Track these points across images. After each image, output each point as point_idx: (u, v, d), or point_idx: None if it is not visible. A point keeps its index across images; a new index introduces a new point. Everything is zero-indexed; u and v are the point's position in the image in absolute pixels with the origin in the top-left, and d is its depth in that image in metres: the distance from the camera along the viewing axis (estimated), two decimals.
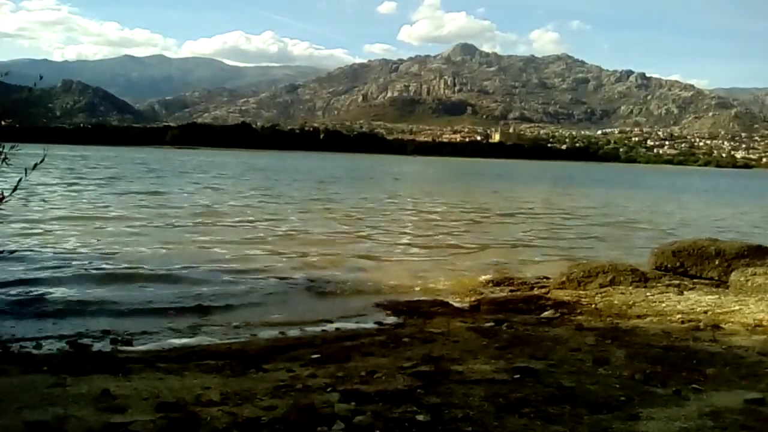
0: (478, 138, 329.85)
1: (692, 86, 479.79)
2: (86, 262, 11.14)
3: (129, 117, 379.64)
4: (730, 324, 6.80)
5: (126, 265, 11.08)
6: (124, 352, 6.21)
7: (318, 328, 7.45)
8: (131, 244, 13.70)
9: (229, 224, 17.97)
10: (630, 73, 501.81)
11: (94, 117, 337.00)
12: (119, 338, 6.85)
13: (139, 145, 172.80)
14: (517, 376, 4.75)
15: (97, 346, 6.50)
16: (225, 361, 5.49)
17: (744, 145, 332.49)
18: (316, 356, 5.58)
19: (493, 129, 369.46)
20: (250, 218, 19.75)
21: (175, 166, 64.52)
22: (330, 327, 7.52)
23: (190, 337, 7.03)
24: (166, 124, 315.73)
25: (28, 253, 11.70)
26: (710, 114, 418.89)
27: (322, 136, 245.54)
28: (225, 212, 21.34)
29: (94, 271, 10.46)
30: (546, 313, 7.70)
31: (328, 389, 4.43)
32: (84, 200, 23.54)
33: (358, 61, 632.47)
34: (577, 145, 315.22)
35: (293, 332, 7.21)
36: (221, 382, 4.68)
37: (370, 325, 7.54)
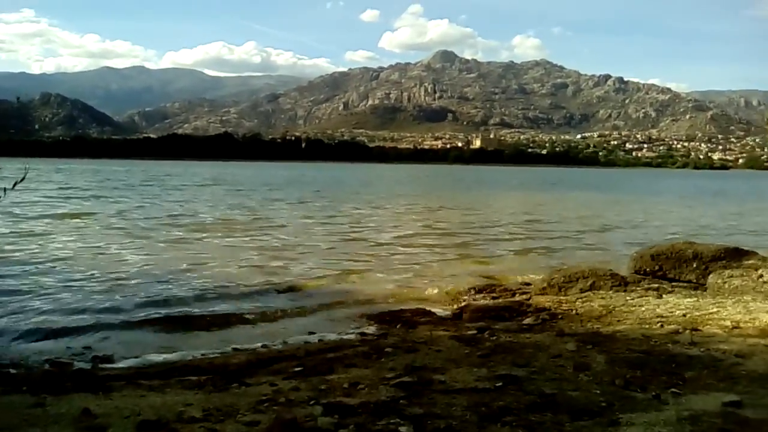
0: (459, 144, 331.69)
1: (669, 89, 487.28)
2: (67, 276, 11.05)
3: (108, 129, 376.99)
4: (708, 326, 6.87)
5: (107, 279, 10.97)
6: (104, 370, 6.15)
7: (301, 340, 7.43)
8: (114, 256, 13.61)
9: (210, 236, 17.86)
10: (608, 77, 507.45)
11: (73, 130, 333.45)
12: (100, 355, 6.78)
13: (119, 157, 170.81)
14: (500, 384, 4.77)
15: (77, 363, 6.41)
16: (207, 377, 5.45)
17: (720, 147, 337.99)
18: (298, 369, 5.56)
19: (474, 135, 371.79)
20: (235, 230, 19.66)
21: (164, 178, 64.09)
22: (313, 338, 7.49)
23: (172, 353, 6.95)
24: (147, 135, 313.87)
25: (6, 266, 11.56)
26: (687, 117, 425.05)
27: (303, 145, 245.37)
28: (208, 224, 21.24)
29: (74, 286, 10.34)
30: (528, 320, 7.73)
31: (311, 402, 4.42)
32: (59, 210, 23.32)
33: (340, 69, 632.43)
34: (557, 149, 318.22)
35: (276, 345, 7.17)
36: (203, 398, 4.65)
37: (353, 336, 7.52)
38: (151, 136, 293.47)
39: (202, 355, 6.79)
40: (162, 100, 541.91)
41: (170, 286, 10.62)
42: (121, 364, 6.45)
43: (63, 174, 69.09)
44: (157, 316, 8.66)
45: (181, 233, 18.32)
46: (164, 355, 6.84)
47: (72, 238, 16.58)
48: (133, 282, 10.85)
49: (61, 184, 46.50)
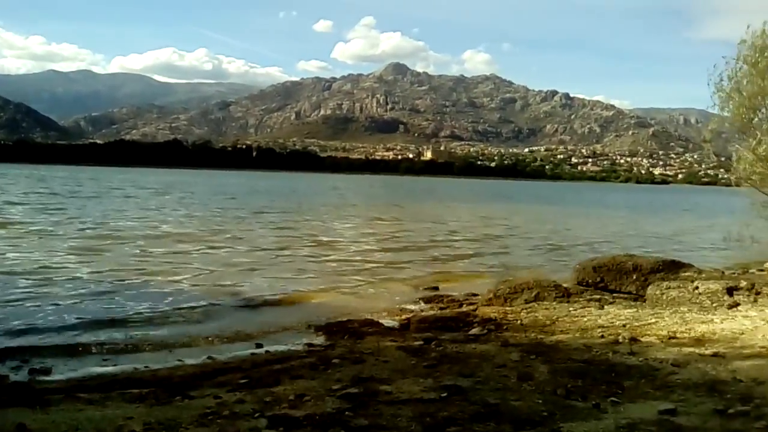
0: (410, 155, 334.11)
1: (613, 106, 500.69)
2: (4, 289, 10.67)
3: (53, 134, 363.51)
4: (646, 336, 7.08)
5: (47, 291, 10.63)
6: (42, 383, 5.97)
7: (247, 352, 7.35)
8: (56, 268, 13.16)
9: (160, 247, 17.47)
10: (555, 93, 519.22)
11: (16, 134, 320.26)
12: (38, 368, 6.57)
13: (64, 163, 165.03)
14: (445, 394, 4.82)
15: (13, 377, 6.21)
16: (150, 389, 5.34)
17: (661, 162, 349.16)
18: (244, 381, 5.50)
19: (425, 147, 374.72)
20: (185, 241, 19.26)
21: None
22: (260, 350, 7.43)
23: (114, 365, 6.81)
24: (93, 140, 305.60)
25: None
26: (630, 133, 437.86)
27: (254, 153, 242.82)
28: (158, 235, 20.79)
29: (12, 298, 9.99)
30: (474, 330, 7.84)
31: (256, 415, 4.38)
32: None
33: (292, 79, 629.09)
34: (506, 162, 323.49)
35: (222, 356, 7.08)
36: (145, 411, 4.55)
37: (300, 347, 7.49)
38: (98, 141, 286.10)
39: (146, 367, 6.65)
40: (109, 105, 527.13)
41: (115, 298, 10.38)
42: (59, 377, 6.28)
43: (5, 179, 66.51)
44: (100, 328, 8.46)
45: (128, 244, 17.84)
46: (105, 368, 6.69)
47: (11, 248, 15.98)
48: (75, 294, 10.56)
49: (1, 190, 44.80)
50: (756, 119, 7.71)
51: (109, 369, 6.61)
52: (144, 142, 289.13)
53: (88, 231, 20.59)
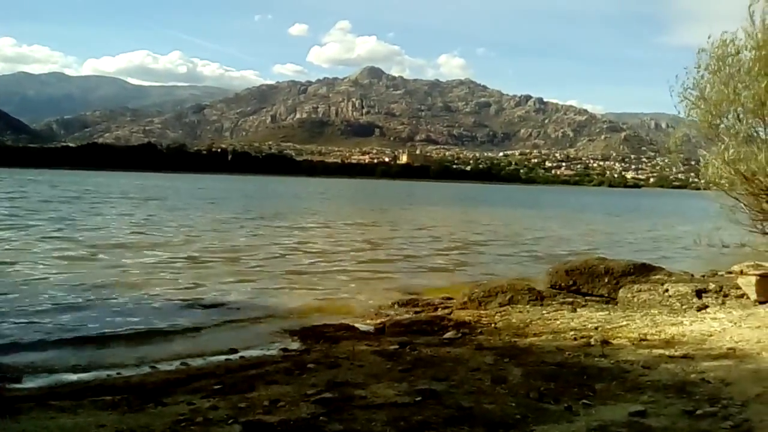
0: (386, 159, 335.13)
1: (586, 111, 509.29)
2: None
3: (25, 137, 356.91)
4: (618, 339, 7.19)
5: (16, 297, 10.43)
6: (12, 391, 5.86)
7: (222, 357, 7.29)
8: (26, 274, 12.92)
9: (133, 255, 17.25)
10: (528, 97, 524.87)
11: None
12: (7, 376, 6.46)
13: (36, 166, 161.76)
14: (419, 398, 4.84)
15: None
16: (122, 396, 5.28)
17: (633, 166, 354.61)
18: (218, 387, 5.46)
19: (401, 151, 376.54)
20: (158, 246, 19.03)
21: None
22: (234, 356, 7.37)
23: (87, 372, 6.69)
24: (65, 144, 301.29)
25: None
26: (602, 137, 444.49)
27: (230, 157, 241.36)
28: (133, 241, 20.52)
29: None
30: (448, 334, 7.87)
31: (230, 421, 4.36)
32: None
33: (268, 82, 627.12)
34: (481, 166, 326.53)
35: (196, 363, 7.01)
36: (117, 418, 4.51)
37: (275, 352, 7.45)
38: (70, 145, 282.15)
39: (118, 374, 6.57)
40: (82, 108, 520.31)
41: (86, 305, 10.19)
42: (30, 384, 6.16)
43: None
44: (71, 334, 8.31)
45: (104, 252, 17.52)
46: (77, 375, 6.58)
47: None
48: (46, 300, 10.36)
49: None
50: (722, 125, 7.86)
51: (82, 376, 6.51)
52: (118, 145, 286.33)
53: (62, 239, 20.17)
